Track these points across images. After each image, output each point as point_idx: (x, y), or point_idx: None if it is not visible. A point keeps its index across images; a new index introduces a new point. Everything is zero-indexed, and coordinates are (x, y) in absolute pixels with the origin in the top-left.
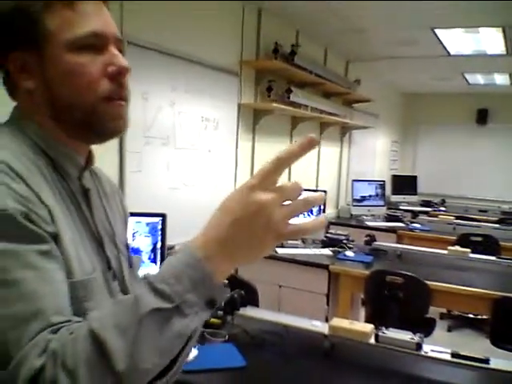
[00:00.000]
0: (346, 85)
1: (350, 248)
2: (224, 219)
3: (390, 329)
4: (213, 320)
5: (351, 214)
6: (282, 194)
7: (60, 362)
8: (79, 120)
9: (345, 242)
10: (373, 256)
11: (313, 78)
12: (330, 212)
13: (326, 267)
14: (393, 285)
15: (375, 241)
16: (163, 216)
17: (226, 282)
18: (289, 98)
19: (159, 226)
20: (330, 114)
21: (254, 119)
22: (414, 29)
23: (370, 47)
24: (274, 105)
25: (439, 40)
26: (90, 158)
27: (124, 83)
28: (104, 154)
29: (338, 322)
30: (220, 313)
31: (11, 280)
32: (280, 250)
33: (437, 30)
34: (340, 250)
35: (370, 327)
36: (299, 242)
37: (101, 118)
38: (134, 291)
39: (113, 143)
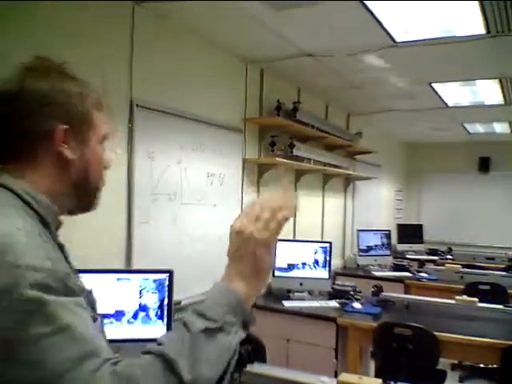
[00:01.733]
0: (348, 137)
1: (357, 299)
2: (231, 257)
3: (399, 383)
4: None
5: (357, 264)
6: (249, 216)
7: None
8: (87, 190)
9: (352, 293)
10: (380, 307)
11: (315, 132)
12: (336, 262)
13: (333, 320)
14: (401, 337)
15: (382, 291)
16: (170, 272)
17: None
18: (292, 152)
19: (166, 283)
20: (333, 166)
21: (258, 173)
22: (411, 84)
23: (369, 101)
24: (278, 159)
25: (437, 93)
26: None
27: None
28: (113, 207)
29: (346, 377)
30: None
31: (64, 325)
32: (287, 303)
33: (434, 84)
34: (347, 301)
35: (379, 382)
36: (306, 294)
37: (98, 194)
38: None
39: (121, 198)
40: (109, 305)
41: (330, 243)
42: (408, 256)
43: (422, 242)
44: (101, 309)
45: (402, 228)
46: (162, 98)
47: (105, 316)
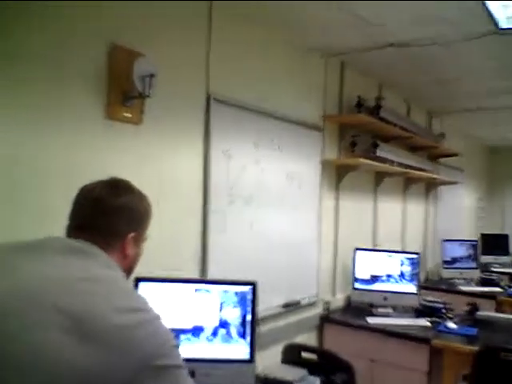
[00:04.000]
0: (432, 138)
1: (450, 318)
2: None
3: None
4: None
5: (441, 278)
6: None
7: None
8: (129, 273)
9: (443, 310)
10: (476, 328)
11: (399, 132)
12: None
13: (427, 341)
14: (509, 363)
15: (478, 310)
16: (254, 284)
17: (317, 358)
18: (374, 152)
19: (249, 296)
20: (417, 169)
21: (336, 176)
22: (503, 78)
23: (454, 99)
24: (361, 160)
25: None
26: None
27: None
28: (187, 217)
29: None
30: None
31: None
32: (371, 320)
33: None
34: (438, 320)
35: None
36: (391, 311)
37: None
38: None
39: (196, 204)
40: (186, 319)
41: (419, 254)
42: (493, 269)
43: (507, 254)
44: (178, 322)
45: (486, 238)
46: (238, 94)
47: (182, 332)
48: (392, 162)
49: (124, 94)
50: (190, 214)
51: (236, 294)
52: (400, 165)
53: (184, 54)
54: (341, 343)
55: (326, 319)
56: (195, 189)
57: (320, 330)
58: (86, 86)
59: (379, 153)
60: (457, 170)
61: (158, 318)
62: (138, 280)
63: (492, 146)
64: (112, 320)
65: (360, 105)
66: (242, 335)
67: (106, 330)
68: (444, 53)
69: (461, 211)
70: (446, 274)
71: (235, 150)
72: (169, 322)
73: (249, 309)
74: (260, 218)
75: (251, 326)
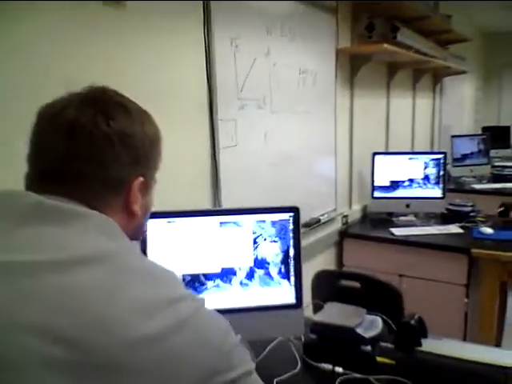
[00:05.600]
0: (443, 20)
1: (482, 222)
2: None
3: None
4: (382, 359)
5: (449, 176)
6: None
7: None
8: (136, 237)
9: (472, 214)
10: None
11: (415, 10)
12: None
13: (465, 251)
14: None
15: (510, 210)
16: (295, 210)
17: (358, 284)
18: (395, 37)
19: (290, 226)
20: (431, 56)
21: (350, 69)
22: None
23: None
24: (385, 46)
25: None
26: None
27: None
28: (193, 130)
29: None
30: (389, 346)
31: None
32: (397, 231)
33: None
34: (469, 225)
35: None
36: (414, 219)
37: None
38: None
39: (202, 113)
40: (212, 261)
41: (445, 153)
42: (496, 163)
43: (509, 147)
44: (202, 267)
45: (487, 131)
46: None
47: (209, 277)
48: (410, 49)
49: None
50: (195, 130)
51: (273, 223)
52: (417, 52)
53: None
54: (363, 259)
55: (345, 234)
56: (198, 92)
57: (339, 247)
58: None
59: (400, 38)
60: (460, 58)
61: (202, 304)
62: None
63: (487, 33)
64: (135, 329)
65: None
66: (285, 275)
67: (128, 348)
68: None
69: (462, 104)
70: (456, 172)
71: (244, 39)
72: (190, 267)
73: (291, 241)
74: (274, 126)
75: (295, 263)
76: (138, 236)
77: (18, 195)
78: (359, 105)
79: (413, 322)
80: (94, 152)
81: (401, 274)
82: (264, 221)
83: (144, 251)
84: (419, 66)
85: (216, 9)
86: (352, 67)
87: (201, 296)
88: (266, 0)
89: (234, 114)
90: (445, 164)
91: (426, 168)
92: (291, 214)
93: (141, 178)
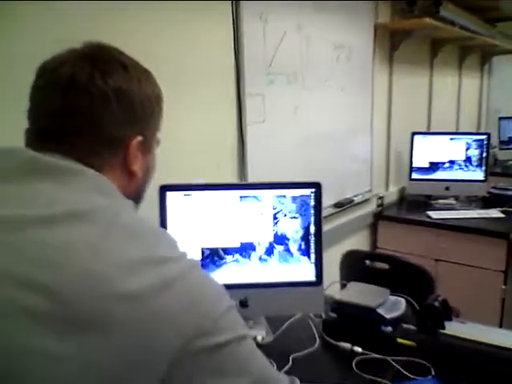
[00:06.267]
0: None
1: None
2: None
3: None
4: (402, 340)
5: (495, 160)
6: None
7: None
8: (138, 199)
9: None
10: None
11: None
12: None
13: (505, 236)
14: None
15: None
16: (317, 186)
17: (387, 266)
18: (438, 12)
19: (311, 202)
20: (478, 33)
21: (390, 45)
22: None
23: None
24: (427, 20)
25: None
26: None
27: None
28: (220, 105)
29: None
30: (411, 328)
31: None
32: (434, 214)
33: None
34: (511, 210)
35: None
36: (454, 202)
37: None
38: None
39: (229, 87)
40: (232, 236)
41: (489, 134)
42: None
43: None
44: (221, 241)
45: None
46: None
47: (228, 252)
48: (454, 25)
49: None
50: (219, 101)
51: (294, 199)
52: (462, 28)
53: None
54: (398, 242)
55: (380, 216)
56: (225, 66)
57: (373, 228)
58: None
59: (443, 13)
60: (510, 37)
61: (194, 266)
62: (164, 189)
63: None
64: (119, 284)
65: None
66: (305, 252)
67: (111, 303)
68: None
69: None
70: (502, 155)
71: (273, 13)
72: (209, 241)
73: (312, 218)
74: (304, 101)
75: (316, 240)
76: (141, 197)
77: (15, 151)
78: (398, 83)
79: (436, 303)
80: (90, 108)
81: (437, 258)
82: (284, 196)
83: (163, 223)
84: (464, 42)
85: None
86: (391, 43)
87: (195, 261)
88: None
89: (262, 89)
90: (488, 145)
91: (468, 149)
92: (312, 189)
93: (139, 137)
